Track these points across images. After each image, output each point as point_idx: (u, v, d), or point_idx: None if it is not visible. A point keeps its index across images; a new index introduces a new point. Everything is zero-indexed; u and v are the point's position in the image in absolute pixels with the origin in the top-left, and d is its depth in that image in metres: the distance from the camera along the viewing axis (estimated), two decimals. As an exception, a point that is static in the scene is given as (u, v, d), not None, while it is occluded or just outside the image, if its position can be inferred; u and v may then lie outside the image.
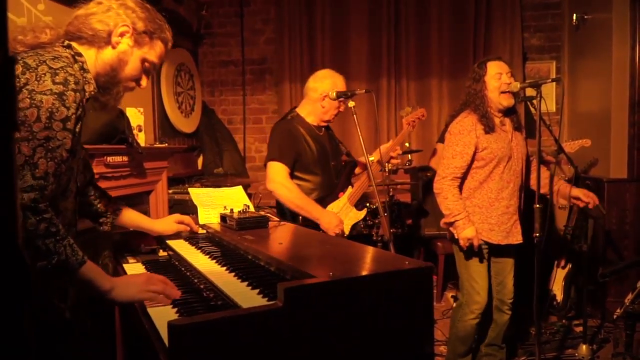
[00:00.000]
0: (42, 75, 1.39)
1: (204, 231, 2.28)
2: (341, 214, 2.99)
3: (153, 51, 1.68)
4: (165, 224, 2.16)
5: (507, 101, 2.92)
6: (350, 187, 3.12)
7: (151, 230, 2.12)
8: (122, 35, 1.60)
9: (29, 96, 1.35)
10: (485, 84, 2.92)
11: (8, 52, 0.54)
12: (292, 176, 2.95)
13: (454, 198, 2.90)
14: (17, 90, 1.35)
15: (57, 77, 1.40)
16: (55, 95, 1.39)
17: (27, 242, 1.29)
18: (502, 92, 2.90)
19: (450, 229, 2.94)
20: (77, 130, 1.48)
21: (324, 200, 2.97)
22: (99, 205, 1.94)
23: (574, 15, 4.44)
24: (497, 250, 3.05)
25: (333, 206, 3.01)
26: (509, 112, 3.00)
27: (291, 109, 3.16)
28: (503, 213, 2.93)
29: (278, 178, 2.89)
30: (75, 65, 1.52)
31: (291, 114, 3.11)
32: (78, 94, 1.45)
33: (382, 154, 3.13)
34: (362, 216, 3.14)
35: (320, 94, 3.01)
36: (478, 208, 2.95)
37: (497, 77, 2.91)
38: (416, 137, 5.11)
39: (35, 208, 1.32)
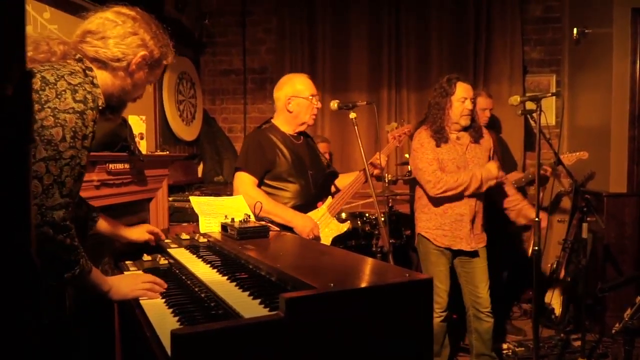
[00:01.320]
0: (63, 92, 1.41)
1: (205, 240, 2.29)
2: (320, 224, 2.89)
3: (158, 72, 1.76)
4: (139, 232, 2.18)
5: (465, 121, 3.13)
6: (330, 197, 3.03)
7: (127, 237, 2.14)
8: (140, 64, 1.63)
9: (52, 114, 1.37)
10: (451, 103, 3.11)
11: (26, 67, 0.56)
12: (267, 185, 2.86)
13: (453, 178, 3.03)
14: (39, 105, 1.37)
15: (77, 94, 1.43)
16: (78, 114, 1.42)
17: (54, 256, 1.39)
18: (462, 116, 3.10)
19: (488, 184, 3.05)
20: (91, 146, 1.51)
21: (300, 209, 2.86)
22: (79, 214, 1.95)
23: (575, 29, 4.47)
24: (464, 259, 3.18)
25: (311, 215, 2.90)
26: (465, 128, 3.17)
27: (267, 120, 3.08)
28: (455, 220, 3.10)
29: (242, 188, 2.80)
30: (87, 79, 1.53)
31: (266, 124, 3.03)
32: (95, 111, 1.48)
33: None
34: (345, 229, 3.03)
35: (284, 99, 2.95)
36: (434, 215, 3.13)
37: (461, 101, 3.11)
38: (416, 148, 5.12)
39: (65, 226, 1.39)
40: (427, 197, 3.14)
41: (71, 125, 1.40)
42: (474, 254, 3.14)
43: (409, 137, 3.36)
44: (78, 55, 1.58)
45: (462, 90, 3.10)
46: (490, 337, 3.16)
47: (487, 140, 3.25)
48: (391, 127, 3.49)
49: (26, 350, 0.60)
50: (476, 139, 3.17)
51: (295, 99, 2.93)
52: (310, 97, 2.94)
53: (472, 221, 3.11)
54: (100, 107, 1.57)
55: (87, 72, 1.56)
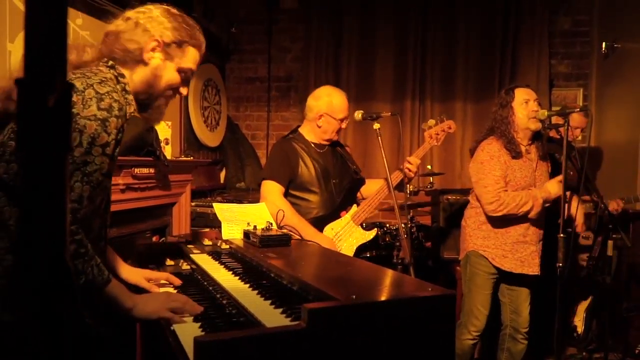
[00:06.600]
0: (89, 100, 1.40)
1: (227, 246, 2.30)
2: (344, 234, 2.88)
3: (186, 58, 1.68)
4: (134, 274, 1.88)
5: (534, 125, 2.94)
6: (355, 205, 2.99)
7: (119, 273, 1.86)
8: (153, 50, 1.61)
9: (72, 120, 1.38)
10: (513, 110, 2.94)
11: (67, 78, 0.57)
12: (289, 195, 2.87)
13: (513, 196, 2.84)
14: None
15: (102, 102, 1.41)
16: (99, 122, 1.40)
17: None
18: (530, 118, 2.92)
19: (545, 205, 2.89)
20: (115, 154, 1.51)
21: (324, 219, 2.85)
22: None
23: (604, 43, 4.41)
24: (512, 279, 3.03)
25: (335, 225, 2.89)
26: (534, 138, 3.00)
27: (294, 128, 3.08)
28: (519, 242, 2.93)
29: (269, 197, 2.80)
30: (118, 87, 1.53)
31: (293, 133, 3.03)
32: (120, 119, 1.46)
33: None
34: (371, 237, 2.99)
35: (316, 113, 2.92)
36: (493, 233, 2.95)
37: (524, 103, 2.93)
38: (438, 160, 5.10)
39: (70, 231, 1.35)
40: (486, 214, 2.95)
41: (90, 132, 1.38)
42: (523, 276, 2.99)
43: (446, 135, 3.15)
44: (110, 62, 1.59)
45: (521, 93, 2.96)
46: (520, 358, 3.07)
47: (547, 161, 3.12)
48: (428, 124, 3.14)
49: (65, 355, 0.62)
50: (544, 156, 3.02)
51: (327, 117, 2.92)
52: (341, 120, 2.94)
53: (536, 243, 2.96)
54: (131, 114, 1.58)
55: (119, 78, 1.56)
